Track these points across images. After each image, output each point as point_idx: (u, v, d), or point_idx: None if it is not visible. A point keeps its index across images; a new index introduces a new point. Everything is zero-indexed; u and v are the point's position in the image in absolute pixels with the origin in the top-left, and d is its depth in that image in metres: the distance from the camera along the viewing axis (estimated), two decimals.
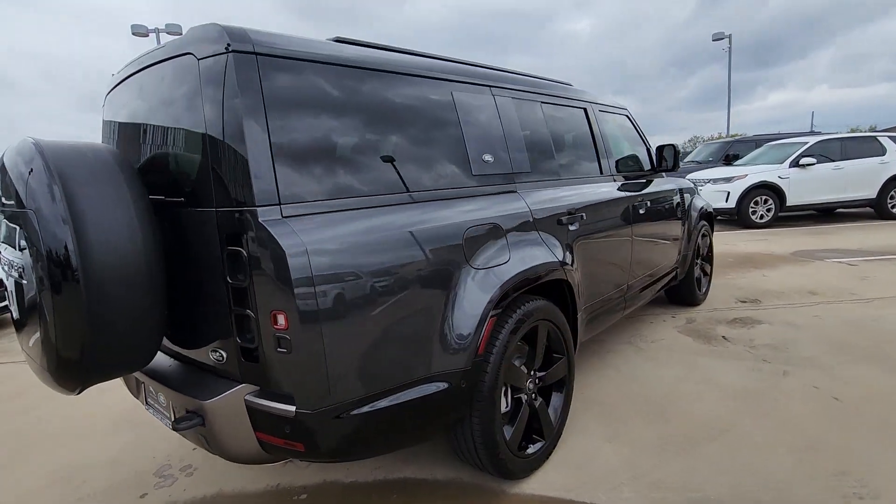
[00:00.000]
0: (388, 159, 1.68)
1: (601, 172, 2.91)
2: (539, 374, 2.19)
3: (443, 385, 1.68)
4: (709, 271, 4.59)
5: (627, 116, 3.49)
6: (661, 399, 2.72)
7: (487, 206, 1.96)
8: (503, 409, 2.03)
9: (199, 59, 1.40)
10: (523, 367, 2.10)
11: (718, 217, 9.27)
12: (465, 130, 1.98)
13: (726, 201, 8.85)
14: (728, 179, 8.95)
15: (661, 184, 3.55)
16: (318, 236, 1.38)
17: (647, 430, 2.42)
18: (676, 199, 3.71)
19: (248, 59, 1.37)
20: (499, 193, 2.07)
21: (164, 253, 1.45)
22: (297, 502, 2.05)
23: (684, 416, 2.52)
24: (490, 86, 2.19)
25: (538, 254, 2.09)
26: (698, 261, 4.32)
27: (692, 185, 4.20)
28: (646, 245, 3.23)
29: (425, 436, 1.78)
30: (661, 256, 3.51)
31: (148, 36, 17.39)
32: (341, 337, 1.41)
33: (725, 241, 7.56)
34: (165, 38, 18.40)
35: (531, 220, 2.14)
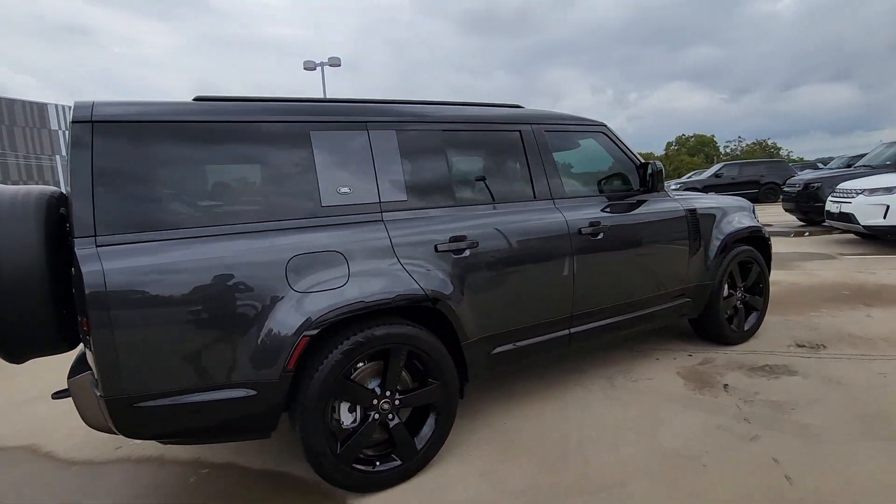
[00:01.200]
0: (216, 197, 2.00)
1: (534, 197, 2.78)
2: (399, 397, 2.26)
3: (250, 392, 1.93)
4: (759, 305, 3.86)
5: (603, 133, 3.21)
6: (577, 443, 2.51)
7: (331, 236, 2.13)
8: (348, 423, 2.18)
9: (70, 124, 1.91)
10: (375, 387, 2.21)
11: (874, 236, 7.50)
12: (318, 165, 2.19)
13: (884, 217, 7.06)
14: (890, 190, 7.12)
15: (641, 205, 3.19)
16: (120, 263, 1.77)
17: (528, 471, 2.29)
18: (671, 221, 3.27)
19: (83, 129, 1.83)
20: (356, 223, 2.23)
21: (54, 269, 1.98)
22: (200, 475, 2.48)
23: (583, 465, 2.31)
24: (367, 121, 2.35)
25: (389, 282, 2.18)
26: (737, 293, 3.69)
27: (721, 206, 3.62)
28: (604, 273, 2.95)
29: (239, 433, 2.05)
30: (639, 286, 3.15)
31: (315, 69, 20.42)
32: (133, 343, 1.77)
33: (861, 268, 6.07)
34: (328, 71, 21.35)
35: (391, 248, 2.24)
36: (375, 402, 2.21)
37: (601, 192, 3.17)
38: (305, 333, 1.98)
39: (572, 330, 2.88)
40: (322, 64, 20.11)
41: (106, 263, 1.75)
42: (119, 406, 1.80)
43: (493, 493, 2.16)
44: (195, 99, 2.14)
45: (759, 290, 3.88)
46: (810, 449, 2.31)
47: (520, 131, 2.80)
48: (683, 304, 3.43)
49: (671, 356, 3.59)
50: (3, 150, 39.42)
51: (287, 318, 1.96)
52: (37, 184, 36.59)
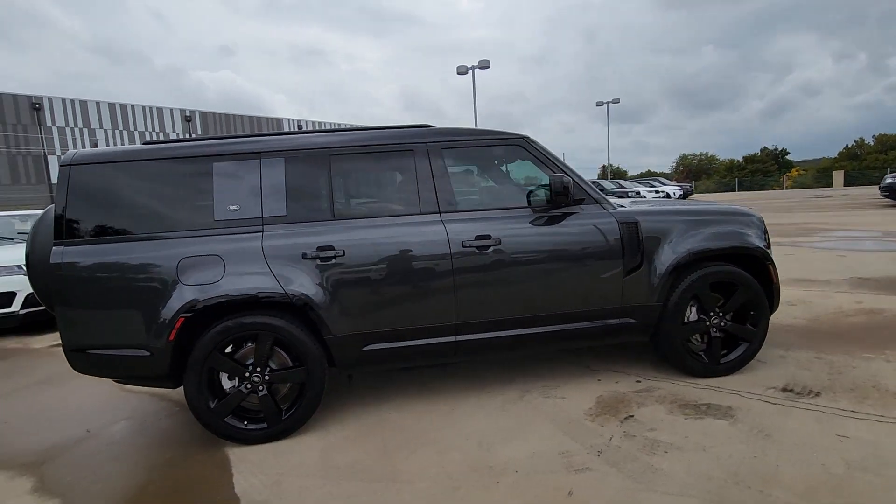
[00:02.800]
0: (143, 213, 2.82)
1: (420, 211, 3.00)
2: (268, 373, 2.83)
3: (145, 353, 2.73)
4: (748, 336, 3.28)
5: (522, 147, 3.17)
6: (424, 443, 2.70)
7: (217, 243, 2.79)
8: (227, 388, 2.84)
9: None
10: (250, 362, 2.81)
11: None
12: (216, 189, 2.86)
13: None
14: None
15: (556, 219, 3.08)
16: (81, 256, 2.71)
17: (361, 455, 2.63)
18: (591, 236, 3.08)
19: (64, 169, 2.82)
20: (241, 233, 2.84)
21: None
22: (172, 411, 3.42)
23: (404, 460, 2.54)
24: (260, 152, 2.93)
25: (255, 281, 2.75)
26: (712, 319, 3.23)
27: (690, 219, 3.21)
28: (498, 286, 2.99)
29: (149, 381, 2.85)
30: (550, 301, 3.06)
31: (466, 73, 21.60)
32: (79, 311, 2.71)
33: None
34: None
35: (262, 253, 2.80)
36: (247, 374, 2.81)
37: (513, 206, 3.15)
38: (182, 315, 2.69)
39: (459, 338, 3.02)
40: (473, 68, 21.15)
41: (64, 258, 2.71)
42: (74, 353, 2.77)
43: (315, 463, 2.57)
44: (144, 143, 3.02)
45: (750, 317, 3.30)
46: (620, 492, 2.13)
47: (412, 150, 3.05)
48: (624, 325, 3.18)
49: (615, 379, 3.35)
50: None
51: (172, 303, 2.70)
52: None
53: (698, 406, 2.88)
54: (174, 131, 44.35)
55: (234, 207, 2.87)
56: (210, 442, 2.85)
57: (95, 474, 2.64)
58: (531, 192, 3.17)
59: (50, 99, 38.27)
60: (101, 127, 40.37)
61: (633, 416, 2.82)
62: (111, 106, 40.94)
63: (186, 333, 2.74)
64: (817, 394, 2.93)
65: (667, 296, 3.18)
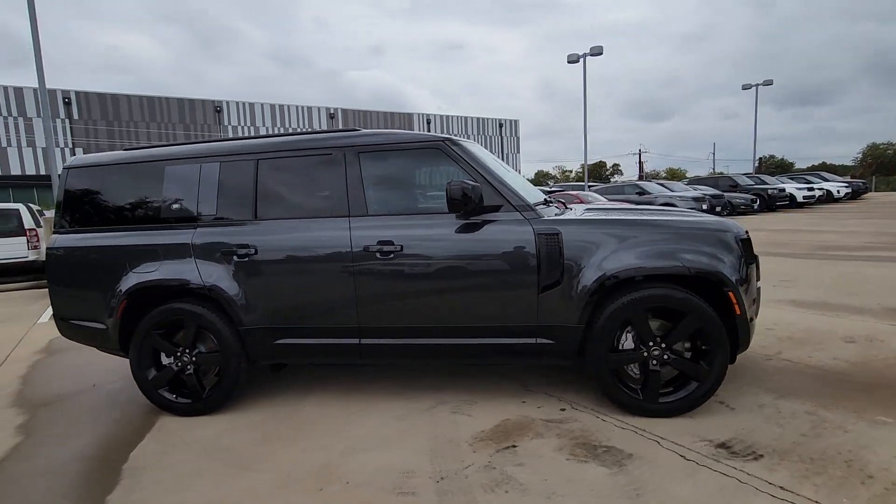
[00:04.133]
0: (112, 210, 3.34)
1: (331, 214, 3.04)
2: (195, 355, 3.17)
3: (101, 326, 3.25)
4: (700, 375, 2.74)
5: (441, 150, 3.00)
6: (290, 438, 2.82)
7: (161, 237, 3.19)
8: (164, 363, 3.25)
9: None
10: (180, 342, 3.19)
11: None
12: (165, 189, 3.26)
13: None
14: None
15: (469, 227, 2.89)
16: (65, 242, 3.33)
17: (241, 439, 2.83)
18: (502, 247, 2.84)
19: (63, 172, 3.45)
20: (178, 229, 3.20)
21: None
22: None
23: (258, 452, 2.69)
24: (200, 157, 3.24)
25: (184, 272, 3.10)
26: (652, 349, 2.77)
27: (629, 233, 2.78)
28: (400, 292, 2.93)
29: (111, 350, 3.36)
30: (456, 312, 2.91)
31: (578, 62, 20.53)
32: (61, 288, 3.33)
33: None
34: (590, 61, 20.96)
35: (190, 248, 3.13)
36: (178, 354, 3.19)
37: (435, 211, 3.03)
38: (124, 297, 3.15)
39: (362, 341, 3.04)
40: (584, 55, 20.00)
41: (60, 241, 3.35)
42: (59, 321, 3.42)
43: (206, 440, 2.84)
44: (123, 149, 3.55)
45: (704, 353, 2.75)
46: None
47: (330, 154, 3.11)
48: (541, 346, 2.89)
49: (540, 404, 3.05)
50: None
51: (120, 286, 3.17)
52: None
53: (596, 448, 2.51)
54: (321, 127, 49.55)
55: (177, 207, 3.25)
56: (154, 411, 3.29)
57: (69, 420, 3.25)
58: (394, 196, 3.08)
59: (227, 102, 45.46)
60: (263, 125, 46.86)
61: (516, 446, 2.57)
62: (272, 107, 47.24)
63: (131, 314, 3.20)
64: (758, 457, 2.34)
65: (590, 318, 2.80)
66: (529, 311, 2.86)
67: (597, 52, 19.56)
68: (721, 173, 35.20)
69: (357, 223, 3.02)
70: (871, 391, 2.98)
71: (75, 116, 40.38)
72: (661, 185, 18.00)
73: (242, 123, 46.64)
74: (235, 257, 3.08)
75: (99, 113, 41.26)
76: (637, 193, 16.64)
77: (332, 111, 49.73)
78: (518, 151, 61.31)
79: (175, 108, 43.67)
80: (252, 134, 47.12)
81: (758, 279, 3.07)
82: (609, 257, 2.76)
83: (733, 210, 17.00)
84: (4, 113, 37.15)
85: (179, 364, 3.19)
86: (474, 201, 2.78)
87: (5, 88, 37.55)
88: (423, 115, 55.35)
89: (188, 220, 3.21)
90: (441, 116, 56.06)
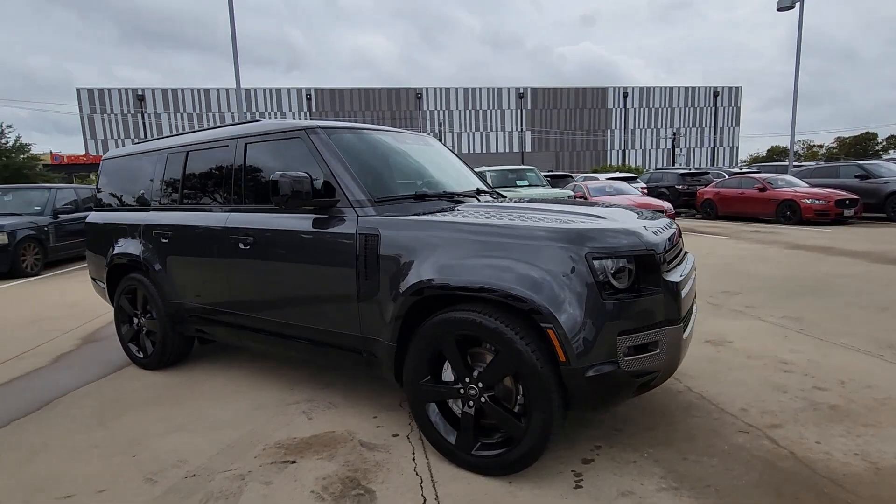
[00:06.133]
0: (116, 194, 4.10)
1: (221, 202, 3.16)
2: (145, 318, 3.74)
3: (103, 285, 4.06)
4: (515, 430, 2.06)
5: (301, 140, 2.77)
6: (155, 401, 3.10)
7: (131, 217, 3.81)
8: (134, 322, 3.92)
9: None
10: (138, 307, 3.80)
11: None
12: (136, 179, 3.85)
13: None
14: None
15: (315, 222, 2.67)
16: (90, 218, 4.25)
17: (129, 390, 3.26)
18: (321, 245, 2.59)
19: (101, 162, 4.36)
20: (140, 211, 3.76)
21: None
22: None
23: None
24: (158, 150, 3.70)
25: (130, 248, 3.67)
26: (464, 386, 2.21)
27: (466, 239, 2.22)
28: (251, 280, 2.95)
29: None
30: (292, 309, 2.78)
31: (792, 8, 16.23)
32: (90, 251, 4.27)
33: None
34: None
35: (140, 229, 3.66)
36: (137, 316, 3.80)
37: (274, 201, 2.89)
38: (107, 264, 3.88)
39: (238, 321, 3.14)
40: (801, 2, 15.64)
41: (89, 219, 4.30)
42: (91, 280, 4.40)
43: (127, 387, 3.35)
44: (134, 142, 4.28)
45: (515, 401, 2.07)
46: None
47: (226, 146, 3.22)
48: (370, 361, 2.57)
49: (385, 424, 2.71)
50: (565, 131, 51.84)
51: (107, 256, 3.92)
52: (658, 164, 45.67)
53: (354, 489, 2.13)
54: (509, 107, 50.06)
55: (142, 192, 3.82)
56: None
57: (88, 358, 4.21)
58: (259, 187, 2.99)
59: (427, 89, 49.43)
60: (456, 108, 49.65)
61: (295, 462, 2.36)
62: (465, 91, 49.58)
63: (113, 279, 3.94)
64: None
65: (400, 337, 2.35)
66: (353, 321, 2.55)
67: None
68: None
69: (235, 211, 3.10)
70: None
71: (314, 109, 49.03)
72: None
73: (439, 107, 50.14)
74: (162, 238, 3.49)
75: (330, 105, 49.27)
76: (857, 177, 12.50)
77: (521, 91, 49.68)
78: (737, 123, 51.75)
79: (384, 98, 49.39)
80: (447, 117, 50.22)
81: (680, 321, 2.14)
82: (424, 266, 2.26)
83: None
84: (263, 109, 47.24)
85: (137, 324, 3.80)
86: (301, 195, 2.56)
87: (266, 90, 47.52)
88: (619, 88, 51.10)
89: (146, 205, 3.76)
90: (640, 89, 50.82)
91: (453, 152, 3.98)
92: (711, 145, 52.76)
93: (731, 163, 51.02)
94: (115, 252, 3.82)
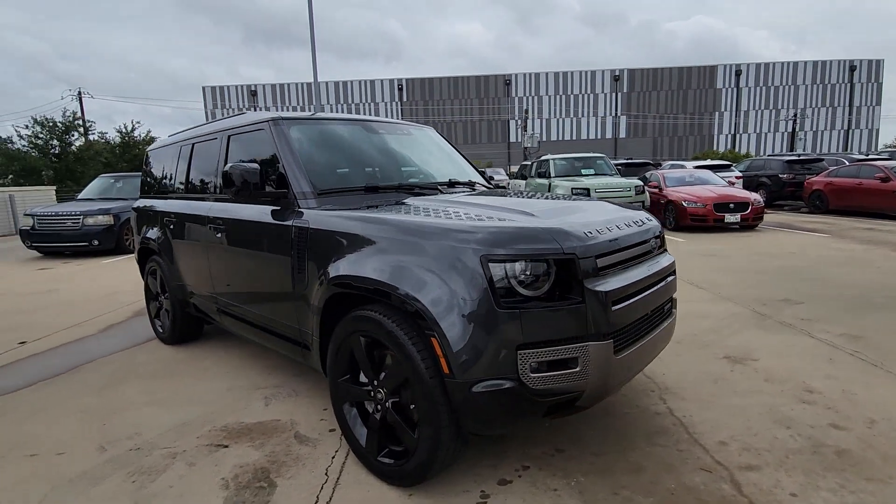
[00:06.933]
0: (155, 181, 4.50)
1: (210, 192, 3.32)
2: (165, 295, 4.09)
3: (136, 259, 4.51)
4: (403, 436, 1.92)
5: (265, 132, 2.79)
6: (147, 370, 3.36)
7: (160, 203, 4.16)
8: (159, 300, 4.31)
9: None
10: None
11: None
12: (163, 167, 4.19)
13: None
14: None
15: (272, 213, 2.71)
16: (138, 204, 4.73)
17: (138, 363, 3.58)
18: (265, 235, 2.63)
19: (147, 153, 4.81)
20: (159, 199, 4.09)
21: None
22: None
23: None
24: (184, 140, 3.98)
25: (150, 233, 4.01)
26: (372, 388, 2.13)
27: (397, 235, 2.12)
28: (225, 265, 3.09)
29: None
30: (252, 297, 2.84)
31: None
32: (136, 232, 4.74)
33: None
34: None
35: (158, 215, 3.98)
36: (158, 294, 4.17)
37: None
38: (139, 244, 4.29)
39: (219, 306, 3.31)
40: None
41: (136, 204, 4.77)
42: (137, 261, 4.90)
43: (141, 359, 3.71)
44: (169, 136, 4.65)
45: (408, 411, 1.93)
46: None
47: (217, 139, 3.37)
48: (300, 350, 2.58)
49: (327, 418, 2.70)
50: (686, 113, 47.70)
51: (140, 236, 4.34)
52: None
53: (263, 479, 2.15)
54: (603, 91, 47.41)
55: (163, 181, 4.15)
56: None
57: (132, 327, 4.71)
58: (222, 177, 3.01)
59: (515, 75, 48.40)
60: (546, 93, 48.07)
61: (227, 446, 2.44)
62: (555, 75, 47.78)
63: (143, 258, 4.35)
64: None
65: (323, 332, 2.31)
66: (291, 312, 2.56)
67: None
68: None
69: (220, 199, 3.24)
70: None
71: (405, 99, 50.33)
72: None
73: (528, 93, 48.91)
74: (169, 225, 3.77)
75: (419, 95, 50.23)
76: None
77: (616, 73, 46.77)
78: (877, 102, 44.24)
79: (472, 85, 49.21)
80: (535, 103, 48.88)
81: (612, 336, 1.87)
82: (340, 261, 2.18)
83: None
84: (358, 100, 49.31)
85: (159, 304, 4.17)
86: (250, 186, 2.60)
87: (361, 82, 49.51)
88: (730, 65, 46.05)
89: (164, 192, 4.08)
90: (757, 65, 45.33)
91: (451, 143, 3.82)
92: (844, 127, 45.74)
93: (869, 148, 43.85)
94: (142, 236, 4.21)
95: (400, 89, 49.46)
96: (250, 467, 2.26)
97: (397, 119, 3.41)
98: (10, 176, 22.00)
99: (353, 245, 2.14)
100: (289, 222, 2.51)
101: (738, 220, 9.63)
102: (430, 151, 3.46)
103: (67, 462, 2.37)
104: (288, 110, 50.02)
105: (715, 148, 45.11)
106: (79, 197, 11.03)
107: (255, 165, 2.62)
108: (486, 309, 1.74)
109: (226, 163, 3.20)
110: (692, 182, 11.08)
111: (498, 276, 1.76)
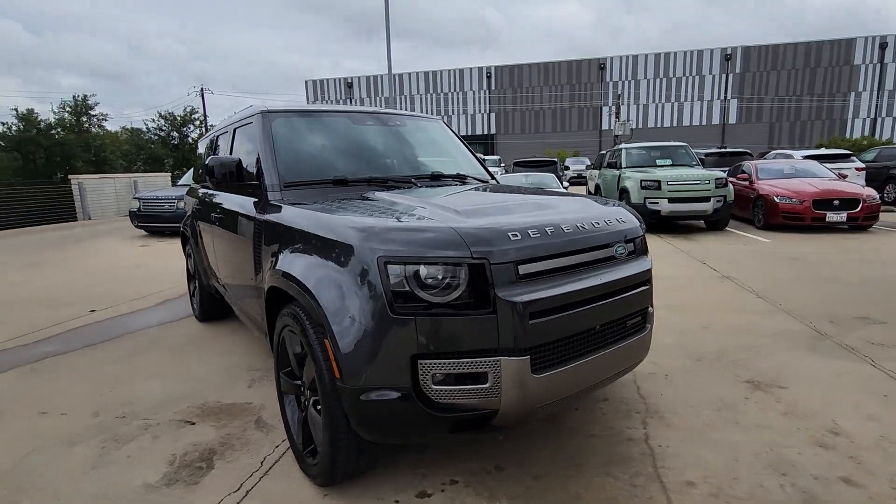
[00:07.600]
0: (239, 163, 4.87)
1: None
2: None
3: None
4: (322, 446, 1.88)
5: (252, 125, 2.87)
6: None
7: (213, 195, 4.48)
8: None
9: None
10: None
11: None
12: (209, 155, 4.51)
13: None
14: None
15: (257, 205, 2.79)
16: (191, 189, 5.16)
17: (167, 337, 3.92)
18: (237, 223, 2.76)
19: (197, 143, 5.20)
20: (206, 189, 4.41)
21: None
22: None
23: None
24: (211, 133, 4.26)
25: (186, 218, 4.35)
26: (303, 383, 2.13)
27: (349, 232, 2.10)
28: (221, 253, 3.27)
29: None
30: (232, 277, 3.00)
31: None
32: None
33: None
34: None
35: (194, 201, 4.30)
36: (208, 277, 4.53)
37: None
38: (182, 231, 4.68)
39: (225, 294, 3.51)
40: None
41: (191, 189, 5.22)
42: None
43: (172, 333, 4.08)
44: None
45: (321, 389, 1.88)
46: None
47: (227, 132, 3.54)
48: (264, 337, 2.64)
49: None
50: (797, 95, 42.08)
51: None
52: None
53: (193, 465, 2.24)
54: (710, 73, 43.23)
55: (199, 170, 4.47)
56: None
57: (169, 306, 5.19)
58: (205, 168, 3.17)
59: (611, 59, 45.70)
60: (644, 77, 44.82)
61: (194, 423, 2.58)
62: (655, 57, 44.32)
63: (184, 241, 4.74)
64: None
65: (270, 326, 2.34)
66: (257, 301, 2.62)
67: None
68: None
69: (223, 193, 3.42)
70: None
71: (493, 88, 49.83)
72: None
73: (624, 78, 46.10)
74: (197, 211, 4.06)
75: (508, 82, 49.42)
76: None
77: (728, 52, 42.29)
78: None
79: (564, 71, 47.36)
80: (631, 88, 45.97)
81: (529, 353, 1.69)
82: (281, 256, 2.19)
83: None
84: (447, 89, 49.60)
85: (194, 283, 4.53)
86: (227, 177, 2.70)
87: (450, 71, 49.74)
88: (873, 37, 39.47)
89: (200, 179, 4.40)
90: None
91: (458, 136, 3.67)
92: None
93: None
94: (183, 221, 4.59)
95: (489, 77, 48.94)
96: (201, 446, 2.37)
97: (419, 113, 3.36)
98: (139, 163, 25.30)
99: (289, 240, 2.13)
100: (256, 213, 2.56)
101: (845, 219, 8.29)
102: (422, 144, 3.35)
103: (64, 423, 2.66)
104: (380, 101, 51.82)
105: (848, 135, 39.17)
106: (179, 183, 12.37)
107: (234, 158, 2.71)
108: (379, 314, 1.64)
109: (231, 153, 3.36)
110: (791, 174, 9.70)
111: (396, 279, 1.64)
